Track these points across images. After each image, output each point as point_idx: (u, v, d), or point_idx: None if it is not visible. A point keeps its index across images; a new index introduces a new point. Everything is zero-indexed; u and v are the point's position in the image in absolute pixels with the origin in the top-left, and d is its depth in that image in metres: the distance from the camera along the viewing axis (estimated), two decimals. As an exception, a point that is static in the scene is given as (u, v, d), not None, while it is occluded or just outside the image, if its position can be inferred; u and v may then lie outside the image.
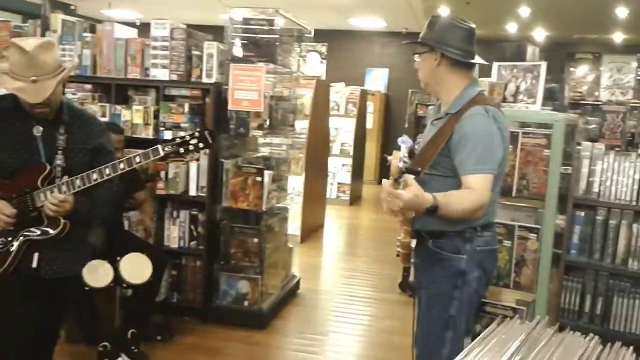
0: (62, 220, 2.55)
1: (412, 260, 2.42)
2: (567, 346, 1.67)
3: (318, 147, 7.25)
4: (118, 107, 4.11)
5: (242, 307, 4.17)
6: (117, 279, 3.27)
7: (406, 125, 10.92)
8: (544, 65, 3.27)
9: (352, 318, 4.61)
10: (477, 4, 8.45)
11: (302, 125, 6.41)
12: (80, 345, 3.61)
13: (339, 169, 9.17)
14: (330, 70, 8.41)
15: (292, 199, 5.24)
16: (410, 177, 1.99)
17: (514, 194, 3.05)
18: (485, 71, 2.89)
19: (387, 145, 11.36)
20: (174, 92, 4.09)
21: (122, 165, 2.55)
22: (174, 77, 4.01)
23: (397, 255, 2.54)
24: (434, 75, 2.35)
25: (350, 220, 8.57)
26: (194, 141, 2.62)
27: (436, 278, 2.34)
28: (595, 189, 3.29)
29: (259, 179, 4.04)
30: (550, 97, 3.35)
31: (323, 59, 7.87)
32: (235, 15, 4.17)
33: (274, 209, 4.49)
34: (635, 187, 3.19)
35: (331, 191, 8.90)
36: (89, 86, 4.20)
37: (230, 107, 4.00)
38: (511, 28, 9.98)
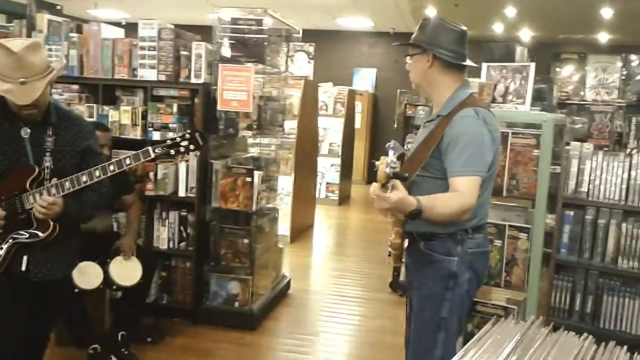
0: (52, 223, 2.53)
1: (403, 260, 2.43)
2: (562, 346, 1.69)
3: (307, 147, 7.25)
4: (105, 107, 4.07)
5: (233, 308, 4.15)
6: (107, 281, 3.26)
7: (395, 126, 10.96)
8: (532, 65, 3.28)
9: (343, 318, 4.61)
10: (465, 4, 8.48)
11: (291, 126, 6.40)
12: (71, 348, 3.59)
13: (327, 169, 9.16)
14: (318, 70, 8.41)
15: (281, 199, 5.23)
16: (397, 182, 1.99)
17: (504, 194, 3.07)
18: (475, 72, 2.90)
19: (376, 145, 11.39)
20: (162, 92, 4.05)
21: (112, 167, 2.54)
22: (162, 78, 3.99)
23: (389, 255, 2.54)
24: (426, 76, 2.35)
25: (339, 220, 8.57)
26: (184, 143, 2.62)
27: (427, 280, 2.34)
28: (584, 188, 3.31)
29: (249, 179, 4.03)
30: (539, 98, 3.36)
31: (311, 59, 7.85)
32: (224, 15, 4.14)
33: (264, 209, 4.48)
34: (624, 186, 3.21)
35: (320, 191, 8.87)
36: (76, 87, 4.17)
37: (219, 107, 3.98)
38: (498, 29, 10.04)
